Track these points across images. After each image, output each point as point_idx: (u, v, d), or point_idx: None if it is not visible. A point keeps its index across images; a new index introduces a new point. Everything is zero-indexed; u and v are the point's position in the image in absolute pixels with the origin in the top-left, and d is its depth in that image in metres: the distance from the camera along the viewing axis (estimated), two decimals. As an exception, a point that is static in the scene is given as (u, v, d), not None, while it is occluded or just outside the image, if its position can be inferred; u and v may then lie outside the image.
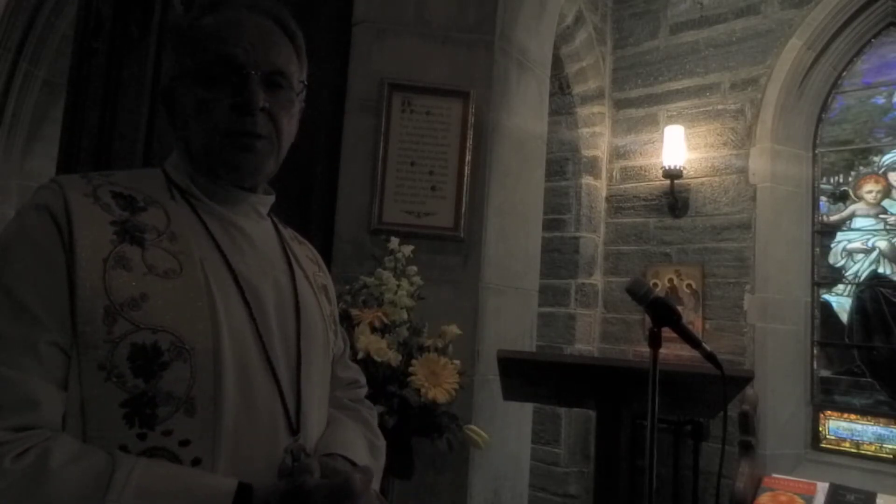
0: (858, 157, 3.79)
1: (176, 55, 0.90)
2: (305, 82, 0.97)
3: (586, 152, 4.37)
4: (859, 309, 3.70)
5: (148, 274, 0.78)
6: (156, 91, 2.40)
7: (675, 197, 4.03)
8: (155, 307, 0.77)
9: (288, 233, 1.05)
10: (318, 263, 1.09)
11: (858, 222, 3.76)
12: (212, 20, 0.89)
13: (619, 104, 4.41)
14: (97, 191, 0.82)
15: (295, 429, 0.85)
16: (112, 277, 0.76)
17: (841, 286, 3.78)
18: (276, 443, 0.83)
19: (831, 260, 3.82)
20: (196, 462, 0.75)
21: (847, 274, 3.76)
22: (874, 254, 3.69)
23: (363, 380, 1.14)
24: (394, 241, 1.94)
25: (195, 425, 0.76)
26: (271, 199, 0.98)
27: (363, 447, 0.98)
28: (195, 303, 0.79)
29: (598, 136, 4.39)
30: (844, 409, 3.66)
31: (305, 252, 1.06)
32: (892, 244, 3.64)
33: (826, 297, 3.82)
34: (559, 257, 4.34)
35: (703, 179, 3.99)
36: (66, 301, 0.75)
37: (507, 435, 2.27)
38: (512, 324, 2.31)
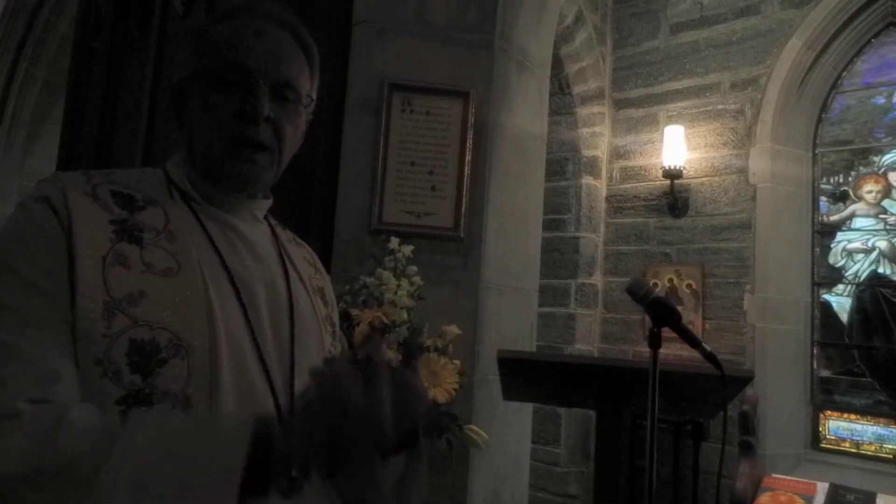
0: (858, 157, 3.80)
1: (188, 57, 0.91)
2: (313, 97, 0.97)
3: (586, 152, 4.37)
4: (859, 309, 3.70)
5: (146, 272, 0.78)
6: (156, 91, 2.40)
7: (675, 197, 4.03)
8: (153, 304, 0.77)
9: (285, 235, 1.05)
10: (316, 266, 1.08)
11: (858, 222, 3.76)
12: (228, 26, 0.89)
13: (619, 104, 4.41)
14: (96, 189, 0.83)
15: None
16: (111, 274, 0.76)
17: (841, 286, 3.78)
18: None
19: (831, 260, 3.82)
20: None
21: (847, 274, 3.76)
22: (874, 254, 3.69)
23: None
24: (394, 241, 1.94)
25: None
26: (268, 203, 0.99)
27: None
28: (192, 301, 0.79)
29: (598, 136, 4.39)
30: (844, 409, 3.66)
31: (302, 254, 1.06)
32: (892, 244, 3.64)
33: (826, 297, 3.82)
34: (559, 257, 4.34)
35: (703, 179, 3.99)
36: (69, 289, 0.75)
37: (507, 435, 2.27)
38: (512, 324, 2.31)
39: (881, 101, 3.74)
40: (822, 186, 3.89)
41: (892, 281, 3.62)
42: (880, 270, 3.66)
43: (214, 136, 0.87)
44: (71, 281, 0.75)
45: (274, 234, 1.00)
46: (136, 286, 0.77)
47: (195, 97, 0.88)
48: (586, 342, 4.27)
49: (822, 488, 3.02)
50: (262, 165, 0.89)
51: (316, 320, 0.97)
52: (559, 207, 4.34)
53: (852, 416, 3.63)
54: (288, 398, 0.86)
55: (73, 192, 0.80)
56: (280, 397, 0.85)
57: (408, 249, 1.93)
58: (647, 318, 1.32)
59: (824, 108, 3.87)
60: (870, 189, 3.74)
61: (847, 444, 3.62)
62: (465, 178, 2.16)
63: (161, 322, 0.76)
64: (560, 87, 4.33)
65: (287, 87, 0.90)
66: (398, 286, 1.86)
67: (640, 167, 4.26)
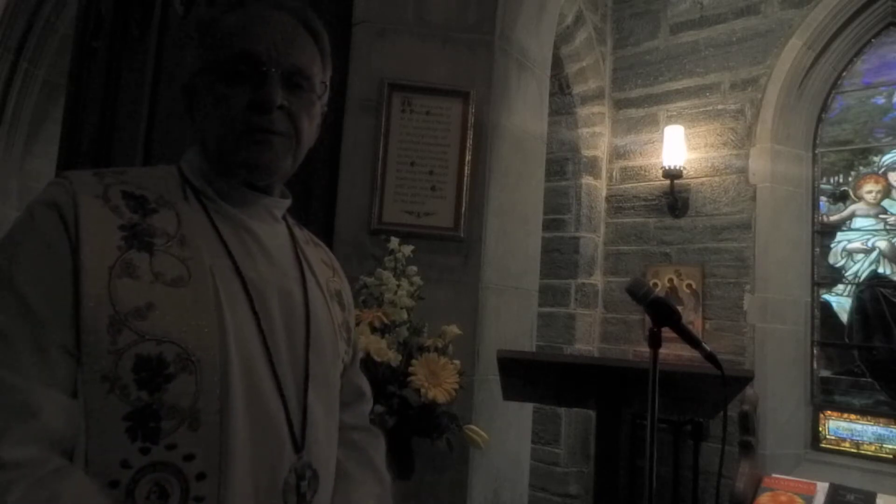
0: (858, 157, 3.80)
1: (198, 50, 0.88)
2: (327, 83, 0.95)
3: (586, 152, 4.37)
4: (859, 309, 3.70)
5: (155, 282, 0.76)
6: (156, 91, 2.40)
7: (675, 197, 4.03)
8: (161, 317, 0.75)
9: (304, 235, 1.01)
10: (334, 267, 1.05)
11: (858, 222, 3.76)
12: (236, 16, 0.87)
13: (619, 104, 4.41)
14: (108, 191, 0.80)
15: (299, 446, 0.83)
16: (118, 286, 0.74)
17: (841, 286, 3.78)
18: (281, 459, 0.81)
19: (831, 260, 3.82)
20: (201, 477, 0.74)
21: (847, 274, 3.76)
22: (874, 254, 3.69)
23: (369, 391, 1.10)
24: (394, 241, 1.94)
25: (200, 439, 0.74)
26: (287, 202, 0.95)
27: None
28: (203, 313, 0.77)
29: (598, 136, 4.39)
30: (844, 409, 3.66)
31: (320, 255, 1.02)
32: (892, 244, 3.64)
33: (826, 297, 3.82)
34: (559, 257, 4.34)
35: (703, 179, 3.99)
36: (73, 306, 0.72)
37: (507, 435, 2.27)
38: (512, 324, 2.31)
39: (881, 101, 3.74)
40: (822, 186, 3.88)
41: (892, 281, 3.62)
42: (880, 270, 3.66)
43: (227, 129, 0.84)
44: (76, 294, 0.73)
45: (292, 234, 0.97)
46: (145, 298, 0.75)
47: (206, 92, 0.86)
48: (586, 342, 4.27)
49: (822, 488, 3.02)
50: (279, 150, 0.86)
51: (332, 327, 0.94)
52: (559, 207, 4.34)
53: (852, 416, 3.63)
54: (300, 410, 0.84)
55: (83, 195, 0.78)
56: (292, 411, 0.83)
57: (408, 249, 1.93)
58: (647, 318, 1.32)
59: (824, 108, 3.87)
60: (870, 189, 3.74)
61: (847, 444, 3.62)
62: (465, 178, 2.16)
63: (169, 336, 0.74)
64: (560, 87, 4.33)
65: (299, 74, 0.87)
66: (398, 286, 1.86)
67: (640, 167, 4.26)
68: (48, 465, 0.68)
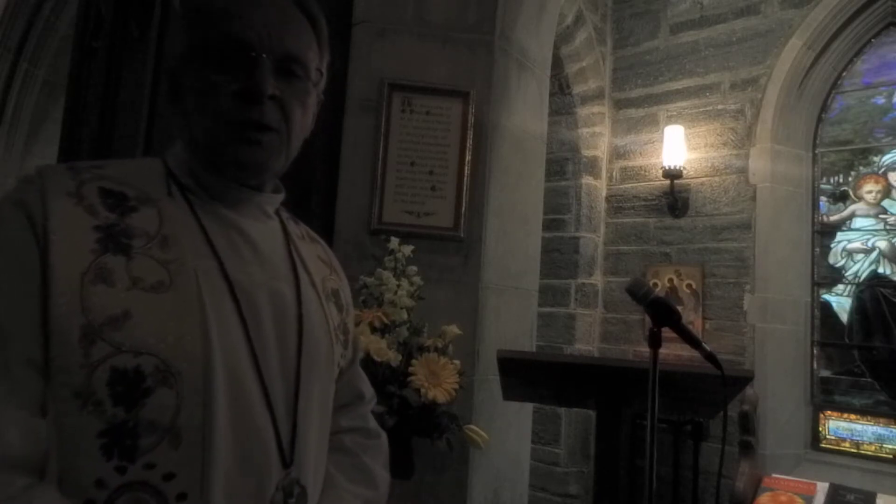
0: (858, 157, 3.80)
1: (185, 33, 0.81)
2: (323, 71, 0.87)
3: (586, 152, 4.37)
4: (859, 309, 3.70)
5: (132, 288, 0.70)
6: (156, 91, 2.40)
7: (675, 197, 4.03)
8: (138, 326, 0.69)
9: (299, 230, 0.95)
10: (331, 265, 0.99)
11: (858, 222, 3.76)
12: None
13: (619, 104, 4.41)
14: (83, 188, 0.74)
15: (287, 461, 0.78)
16: (90, 294, 0.68)
17: (841, 286, 3.78)
18: (268, 476, 0.76)
19: (831, 260, 3.82)
20: (181, 497, 0.69)
21: (847, 274, 3.76)
22: (874, 254, 3.69)
23: (370, 393, 1.05)
24: (394, 241, 1.94)
25: (181, 457, 0.69)
26: (280, 197, 0.89)
27: None
28: (184, 320, 0.71)
29: (598, 136, 4.39)
30: (844, 409, 3.66)
31: (317, 252, 0.96)
32: (892, 244, 3.64)
33: (826, 297, 3.82)
34: (559, 257, 4.34)
35: (703, 179, 3.99)
36: (40, 315, 0.67)
37: (507, 435, 2.27)
38: (512, 324, 2.31)
39: (881, 101, 3.74)
40: (822, 186, 3.89)
41: (892, 281, 3.62)
42: (880, 270, 3.66)
43: (215, 121, 0.77)
44: (45, 302, 0.67)
45: (285, 231, 0.90)
46: (120, 306, 0.69)
47: (192, 79, 0.79)
48: (586, 342, 4.27)
49: (822, 488, 3.02)
50: (269, 148, 0.80)
51: (327, 330, 0.88)
52: (559, 207, 4.34)
53: (852, 416, 3.63)
54: (290, 423, 0.79)
55: (53, 194, 0.71)
56: (280, 424, 0.78)
57: (408, 249, 1.93)
58: (647, 318, 1.32)
59: (824, 108, 3.87)
60: (870, 189, 3.74)
61: (847, 444, 3.62)
62: (465, 178, 2.16)
63: (146, 347, 0.68)
64: (560, 87, 4.33)
65: (293, 61, 0.80)
66: (398, 286, 1.86)
67: (640, 167, 4.26)
68: (14, 486, 0.64)
